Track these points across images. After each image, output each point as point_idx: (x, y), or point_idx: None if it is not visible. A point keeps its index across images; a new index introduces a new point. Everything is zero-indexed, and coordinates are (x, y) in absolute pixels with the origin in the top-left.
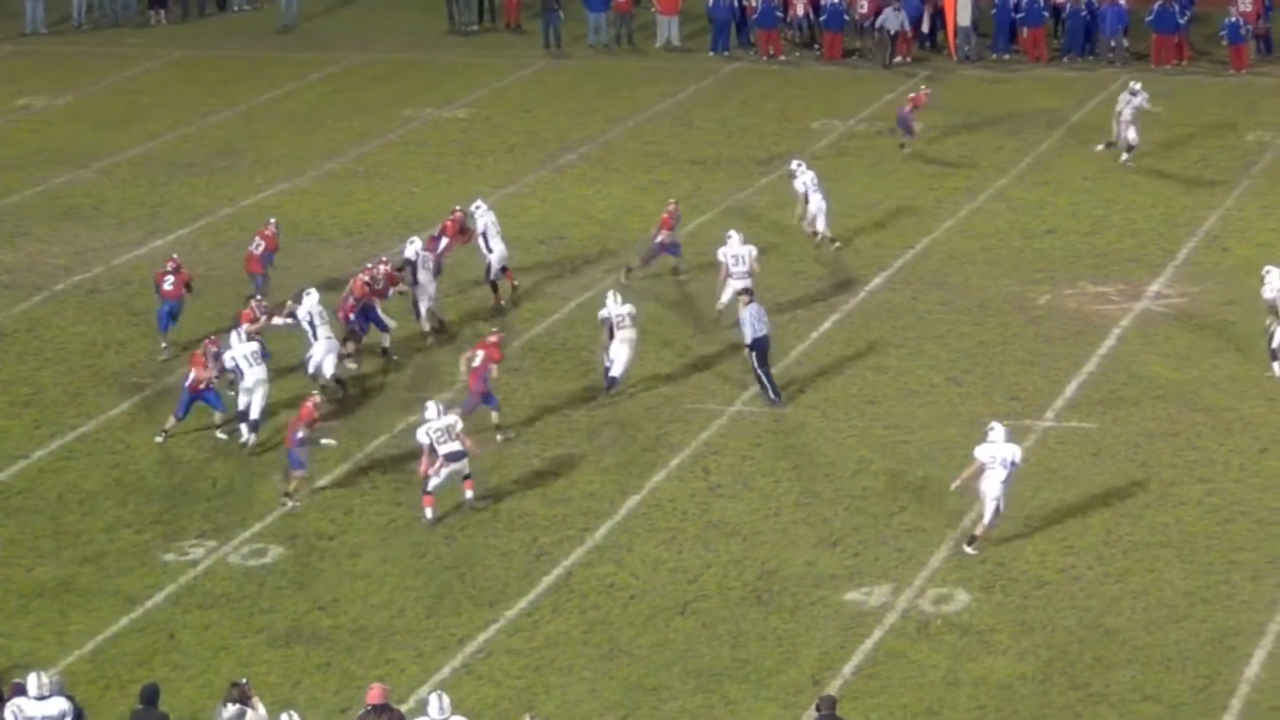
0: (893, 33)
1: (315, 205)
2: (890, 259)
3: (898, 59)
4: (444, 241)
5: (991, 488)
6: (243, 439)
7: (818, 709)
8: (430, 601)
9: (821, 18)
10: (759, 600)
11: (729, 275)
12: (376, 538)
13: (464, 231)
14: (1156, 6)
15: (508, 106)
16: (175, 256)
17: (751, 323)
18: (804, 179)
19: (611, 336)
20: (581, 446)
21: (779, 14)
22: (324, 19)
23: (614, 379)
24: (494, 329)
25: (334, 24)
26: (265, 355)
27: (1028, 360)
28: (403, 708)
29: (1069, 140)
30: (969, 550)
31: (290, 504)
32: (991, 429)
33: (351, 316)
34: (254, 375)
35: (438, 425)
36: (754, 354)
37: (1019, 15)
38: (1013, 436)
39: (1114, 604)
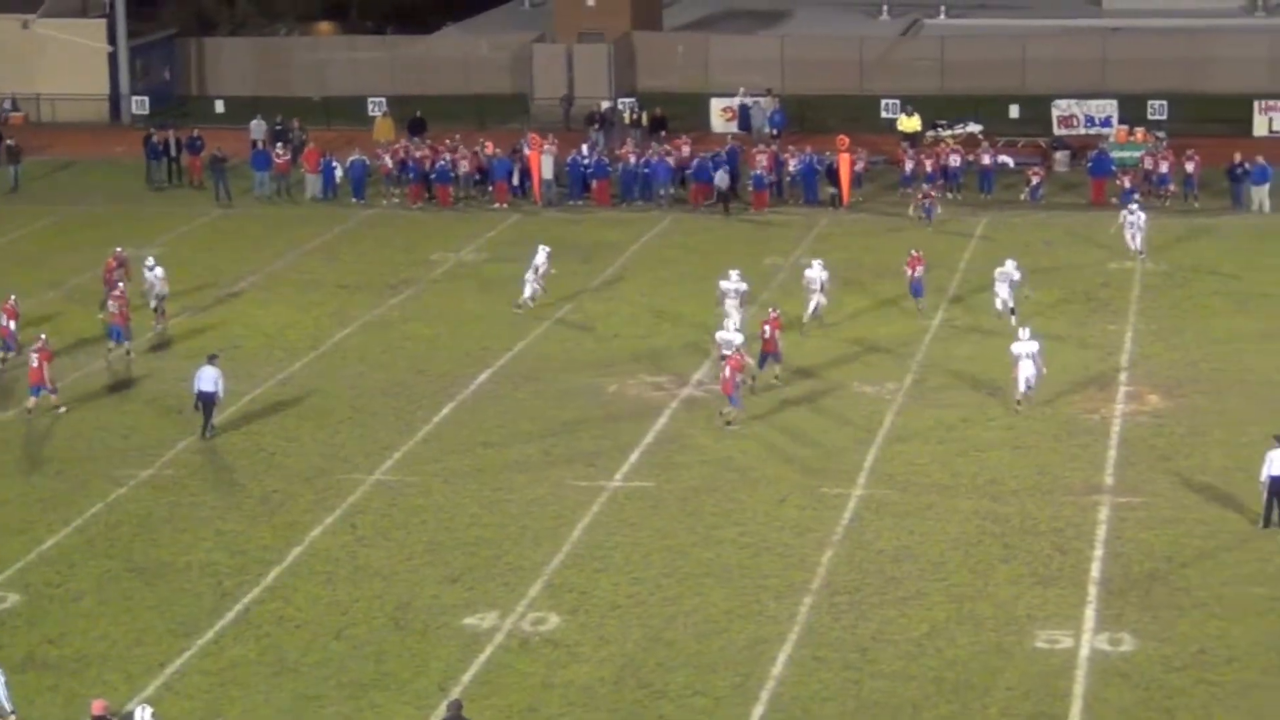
0: (724, 188)
1: (37, 323)
2: (493, 359)
3: (732, 206)
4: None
5: (1024, 372)
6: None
7: (448, 710)
8: (138, 634)
9: (433, 175)
10: (397, 626)
11: (809, 291)
12: (94, 585)
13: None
14: (695, 161)
15: (193, 246)
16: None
17: (198, 380)
18: None
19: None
20: (257, 510)
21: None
22: (44, 181)
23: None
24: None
25: (52, 185)
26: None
27: (601, 435)
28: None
29: (629, 266)
30: (1019, 409)
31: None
32: (1022, 331)
33: None
34: None
35: (725, 337)
36: (198, 402)
37: (589, 170)
38: (1035, 335)
39: (671, 621)
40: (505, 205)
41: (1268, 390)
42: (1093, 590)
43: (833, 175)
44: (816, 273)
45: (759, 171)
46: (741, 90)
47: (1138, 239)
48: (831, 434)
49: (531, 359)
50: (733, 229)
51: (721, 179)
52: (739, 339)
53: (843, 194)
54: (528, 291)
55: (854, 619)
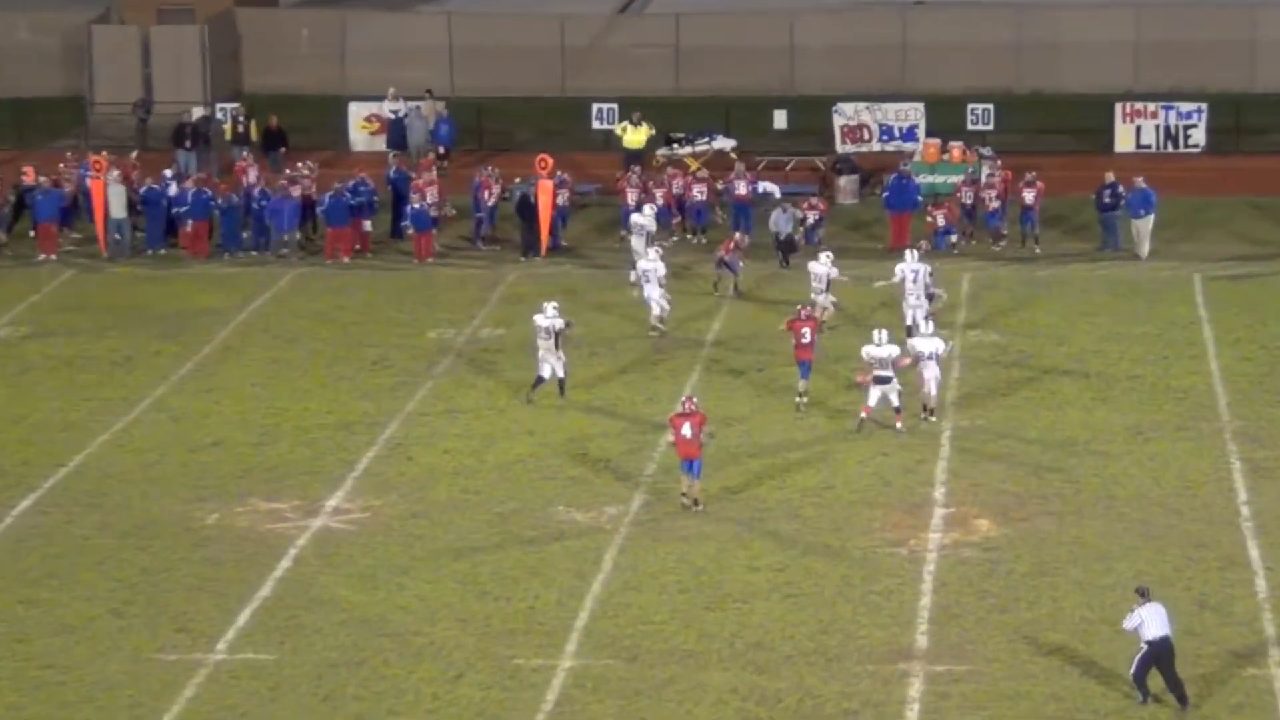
0: (783, 235)
1: None
2: (40, 479)
3: (793, 255)
4: None
5: (928, 371)
6: None
7: None
8: None
9: None
10: None
11: (815, 291)
12: None
13: None
14: (328, 197)
15: None
16: None
17: None
18: None
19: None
20: None
21: None
22: None
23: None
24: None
25: None
26: None
27: (196, 587)
28: None
29: (235, 342)
30: (932, 420)
31: None
32: (925, 325)
33: None
34: None
35: (877, 354)
36: None
37: (181, 209)
38: (937, 332)
39: None
40: (54, 256)
41: (1140, 510)
42: None
43: (526, 210)
44: (824, 267)
45: (420, 206)
46: (391, 91)
47: (919, 310)
48: (527, 580)
49: (95, 478)
50: (385, 287)
51: (778, 221)
52: (891, 351)
53: (541, 236)
54: (656, 310)
55: None
